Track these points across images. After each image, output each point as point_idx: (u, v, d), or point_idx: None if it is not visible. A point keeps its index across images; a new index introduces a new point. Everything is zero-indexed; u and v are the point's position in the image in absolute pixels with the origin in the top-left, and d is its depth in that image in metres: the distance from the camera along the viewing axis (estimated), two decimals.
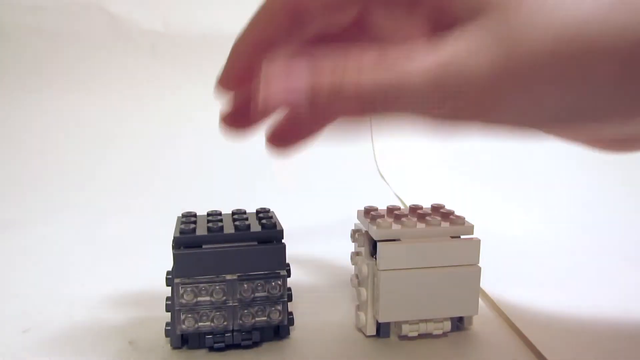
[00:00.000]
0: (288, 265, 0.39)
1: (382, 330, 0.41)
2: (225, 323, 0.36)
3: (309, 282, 0.51)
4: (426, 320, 0.40)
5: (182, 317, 0.36)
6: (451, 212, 0.41)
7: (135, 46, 0.98)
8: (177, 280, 0.36)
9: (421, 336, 0.41)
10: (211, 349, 0.39)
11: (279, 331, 0.40)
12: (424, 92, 0.23)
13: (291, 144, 0.33)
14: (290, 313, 0.40)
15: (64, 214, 0.73)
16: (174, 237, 0.36)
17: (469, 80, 0.23)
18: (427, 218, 0.40)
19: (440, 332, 0.41)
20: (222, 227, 0.37)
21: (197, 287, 0.36)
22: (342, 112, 0.26)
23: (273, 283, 0.37)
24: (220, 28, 1.00)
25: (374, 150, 1.00)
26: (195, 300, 0.36)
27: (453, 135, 0.26)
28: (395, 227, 0.39)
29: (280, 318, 0.37)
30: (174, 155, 0.94)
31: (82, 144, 0.93)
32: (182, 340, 0.39)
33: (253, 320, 0.37)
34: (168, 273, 0.39)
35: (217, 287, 0.36)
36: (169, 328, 0.39)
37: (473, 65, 0.22)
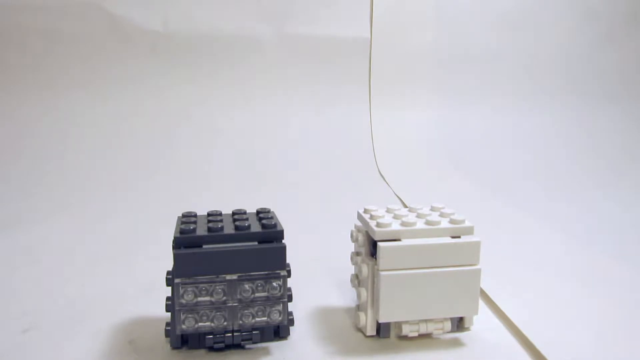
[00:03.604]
0: (288, 265, 0.39)
1: (382, 330, 0.41)
2: (225, 323, 0.36)
3: (309, 282, 0.51)
4: (426, 321, 0.40)
5: (182, 317, 0.36)
6: (451, 213, 0.41)
7: (135, 46, 0.98)
8: (177, 280, 0.36)
9: (421, 336, 0.41)
10: (211, 349, 0.39)
11: (279, 331, 0.40)
12: None
13: None
14: (290, 313, 0.40)
15: (64, 214, 0.73)
16: (174, 237, 0.36)
17: None
18: (427, 218, 0.40)
19: (440, 332, 0.41)
20: (222, 227, 0.37)
21: (197, 287, 0.36)
22: None
23: (273, 283, 0.37)
24: (220, 28, 1.00)
25: (374, 150, 1.00)
26: (195, 301, 0.36)
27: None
28: (395, 227, 0.39)
29: (280, 318, 0.37)
30: (174, 155, 0.94)
31: (82, 144, 0.93)
32: (182, 340, 0.39)
33: (253, 321, 0.37)
34: (168, 273, 0.39)
35: (217, 287, 0.36)
36: (169, 328, 0.39)
37: None
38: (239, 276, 0.36)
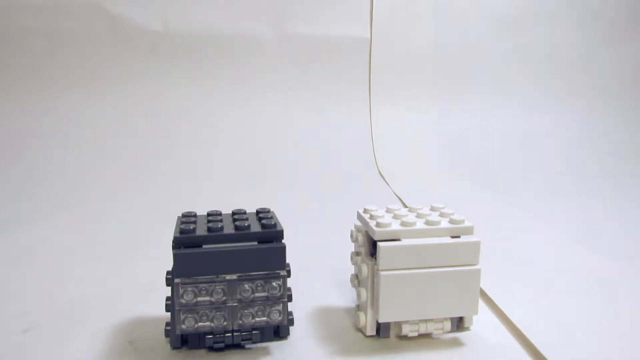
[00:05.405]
0: (288, 265, 0.39)
1: (382, 330, 0.41)
2: (225, 323, 0.36)
3: (309, 282, 0.51)
4: (426, 320, 0.40)
5: (182, 317, 0.36)
6: (451, 213, 0.41)
7: (135, 46, 0.98)
8: (177, 280, 0.36)
9: (421, 336, 0.41)
10: (211, 349, 0.39)
11: (279, 331, 0.40)
12: None
13: None
14: (290, 313, 0.40)
15: (64, 214, 0.73)
16: (174, 237, 0.36)
17: None
18: (427, 218, 0.40)
19: (440, 332, 0.41)
20: (222, 227, 0.37)
21: (197, 287, 0.36)
22: None
23: (273, 283, 0.37)
24: (220, 28, 1.00)
25: (374, 150, 1.00)
26: (195, 300, 0.36)
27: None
28: (395, 227, 0.39)
29: (280, 318, 0.37)
30: (174, 155, 0.94)
31: (82, 144, 0.93)
32: (182, 340, 0.39)
33: (253, 321, 0.37)
34: (168, 273, 0.39)
35: (217, 287, 0.36)
36: (169, 328, 0.39)
37: None
38: (238, 276, 0.36)
